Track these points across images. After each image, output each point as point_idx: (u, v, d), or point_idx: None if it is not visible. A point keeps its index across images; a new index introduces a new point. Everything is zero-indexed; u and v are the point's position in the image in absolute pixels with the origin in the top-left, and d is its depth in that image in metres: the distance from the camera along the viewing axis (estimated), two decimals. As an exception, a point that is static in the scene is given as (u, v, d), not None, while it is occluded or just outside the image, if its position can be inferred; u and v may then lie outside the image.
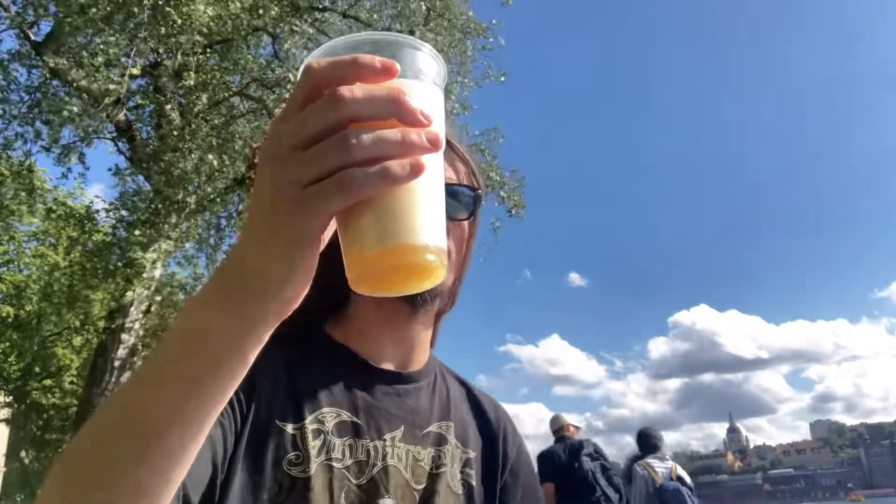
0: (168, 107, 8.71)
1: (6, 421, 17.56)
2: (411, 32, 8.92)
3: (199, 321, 0.49)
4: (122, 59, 7.08)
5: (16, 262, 15.38)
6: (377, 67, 0.43)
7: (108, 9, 6.45)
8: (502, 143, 10.04)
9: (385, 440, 0.87)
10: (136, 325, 8.51)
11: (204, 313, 0.49)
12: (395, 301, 0.89)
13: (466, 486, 0.94)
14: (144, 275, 7.77)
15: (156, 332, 8.83)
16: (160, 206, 7.78)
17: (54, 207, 11.58)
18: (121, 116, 8.46)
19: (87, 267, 8.79)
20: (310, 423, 0.83)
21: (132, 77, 7.58)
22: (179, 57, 7.43)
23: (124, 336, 8.33)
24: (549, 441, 5.35)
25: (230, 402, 0.78)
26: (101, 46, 6.90)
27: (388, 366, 0.94)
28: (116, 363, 8.17)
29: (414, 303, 0.89)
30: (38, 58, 7.73)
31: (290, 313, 0.49)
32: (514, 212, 9.90)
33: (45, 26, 7.87)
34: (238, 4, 7.31)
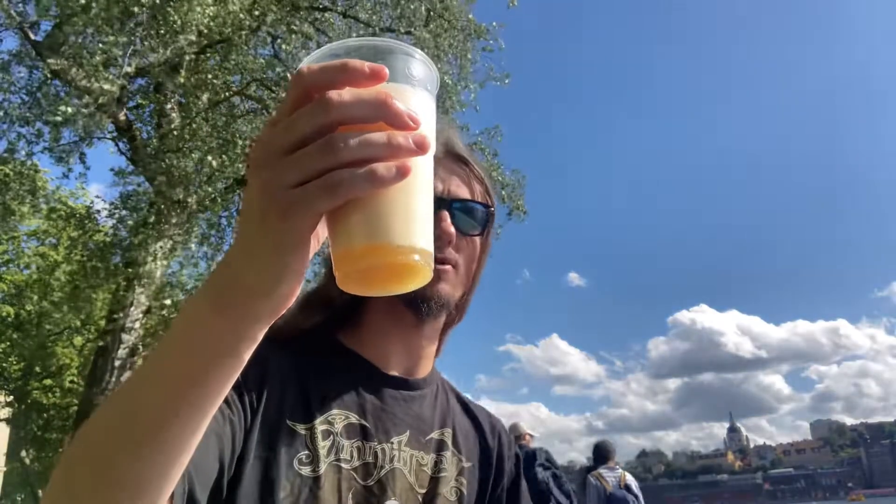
0: (168, 107, 8.71)
1: (7, 420, 17.55)
2: (410, 34, 8.93)
3: (194, 321, 0.50)
4: (121, 59, 7.09)
5: (16, 262, 15.38)
6: (366, 72, 0.44)
7: (109, 9, 6.45)
8: (501, 142, 10.04)
9: (392, 443, 0.90)
10: (137, 325, 8.51)
11: (199, 313, 0.50)
12: (402, 311, 0.91)
13: (458, 493, 0.97)
14: (144, 274, 7.78)
15: (156, 332, 8.83)
16: (161, 206, 7.79)
17: (57, 207, 11.60)
18: (121, 116, 8.47)
19: (88, 267, 8.81)
20: (319, 424, 0.85)
21: (130, 76, 7.58)
22: (179, 56, 7.44)
23: (125, 336, 8.33)
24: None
25: (241, 402, 0.80)
26: (101, 46, 6.90)
27: (395, 372, 0.96)
28: (117, 363, 8.17)
29: (420, 313, 0.91)
30: (39, 57, 7.74)
31: (283, 311, 0.50)
32: (513, 214, 9.90)
33: (45, 25, 7.88)
34: (238, 5, 7.31)
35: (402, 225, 0.46)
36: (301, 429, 0.83)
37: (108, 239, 8.82)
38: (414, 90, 0.49)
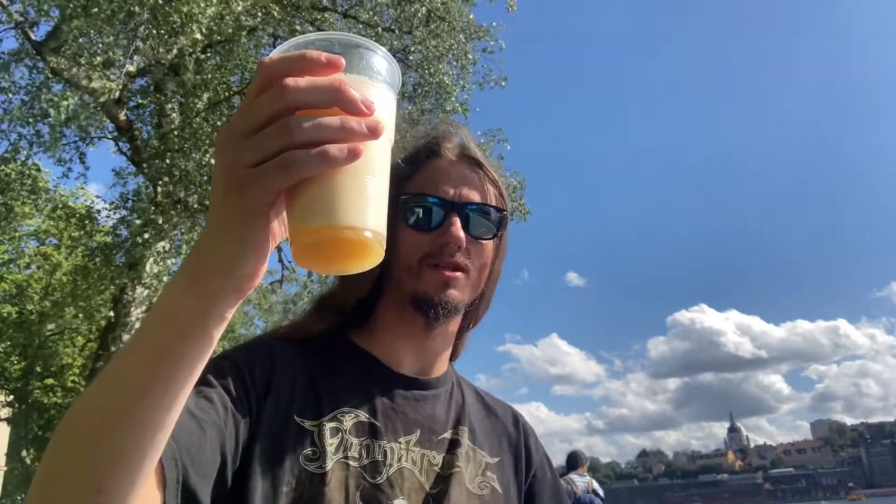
0: (168, 106, 8.73)
1: (7, 420, 17.56)
2: (410, 34, 8.95)
3: (168, 298, 0.53)
4: (122, 59, 7.10)
5: (17, 262, 15.39)
6: (322, 61, 0.46)
7: (111, 9, 6.46)
8: (508, 148, 10.09)
9: (401, 443, 0.90)
10: (138, 325, 8.52)
11: (172, 291, 0.53)
12: (411, 313, 0.92)
13: (489, 488, 0.96)
14: (145, 274, 7.79)
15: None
16: (165, 205, 7.80)
17: (59, 207, 11.61)
18: (121, 116, 8.49)
19: (89, 267, 8.82)
20: (328, 422, 0.85)
21: (130, 76, 7.59)
22: (181, 56, 7.45)
23: (125, 336, 8.34)
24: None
25: (247, 397, 0.81)
26: (102, 46, 6.91)
27: (408, 372, 0.97)
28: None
29: (428, 318, 0.92)
30: (39, 57, 7.75)
31: (248, 291, 0.53)
32: (515, 215, 9.92)
33: (45, 24, 7.89)
34: (240, 5, 7.32)
35: (354, 205, 0.48)
36: (309, 425, 0.84)
37: (108, 239, 8.83)
38: (372, 82, 0.52)
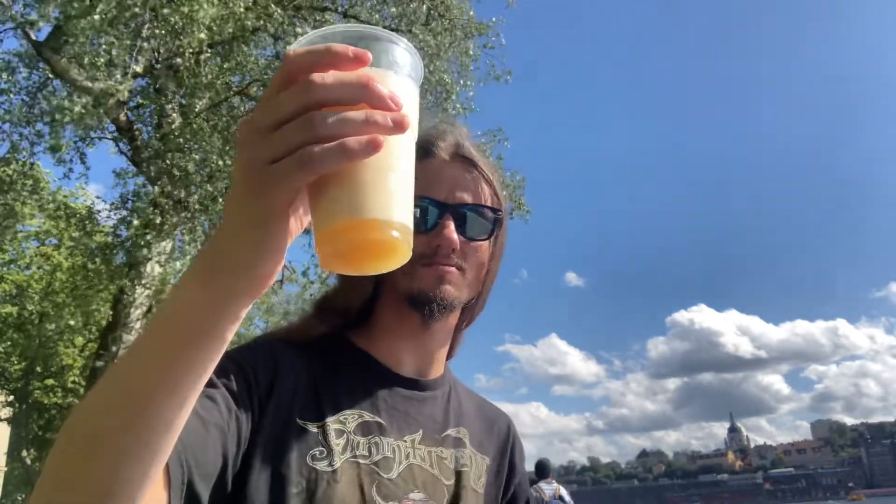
0: (169, 107, 8.72)
1: (8, 420, 17.55)
2: (411, 32, 8.94)
3: (179, 296, 0.52)
4: (125, 59, 7.10)
5: (18, 262, 15.39)
6: (349, 56, 0.45)
7: (114, 9, 6.45)
8: (507, 147, 10.06)
9: (406, 441, 0.90)
10: (138, 325, 8.52)
11: (183, 289, 0.52)
12: (408, 311, 0.92)
13: (486, 492, 0.98)
14: (146, 275, 7.79)
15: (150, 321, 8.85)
16: (165, 205, 7.80)
17: (60, 207, 11.61)
18: (121, 117, 8.48)
19: (89, 267, 8.82)
20: (332, 423, 0.85)
21: (134, 76, 7.59)
22: (181, 57, 7.45)
23: (126, 336, 8.34)
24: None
25: (249, 399, 0.80)
26: (105, 47, 6.90)
27: (407, 373, 0.97)
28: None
29: (424, 314, 0.91)
30: (39, 57, 7.75)
31: (263, 291, 0.51)
32: (515, 214, 9.91)
33: (46, 25, 7.88)
34: (241, 5, 7.32)
35: (379, 200, 0.47)
36: (312, 427, 0.83)
37: (108, 240, 8.83)
38: (397, 76, 0.50)
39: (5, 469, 21.04)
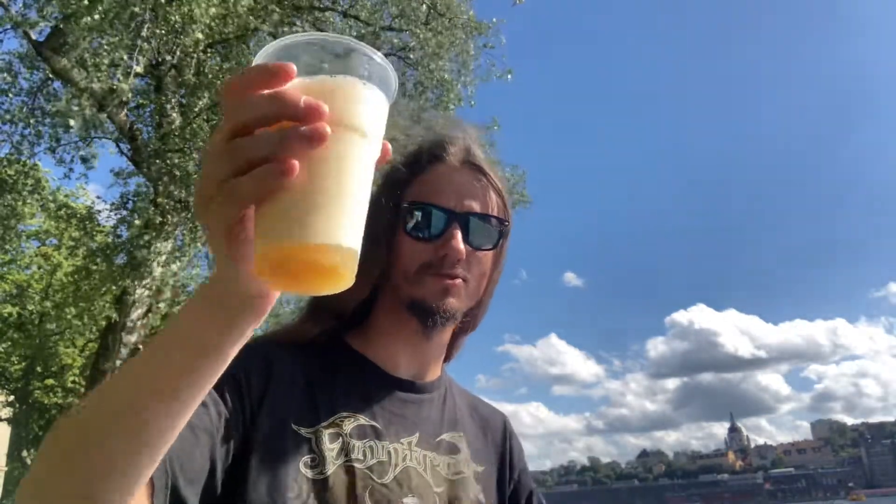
0: (169, 107, 8.72)
1: (8, 420, 17.56)
2: (411, 32, 8.94)
3: (185, 315, 0.54)
4: (128, 59, 7.10)
5: (18, 262, 15.39)
6: (270, 72, 0.43)
7: (114, 9, 6.45)
8: (499, 131, 10.07)
9: (402, 443, 0.90)
10: (138, 325, 8.52)
11: (190, 308, 0.54)
12: (408, 318, 0.92)
13: (484, 497, 0.97)
14: (147, 275, 7.79)
15: (157, 332, 8.85)
16: (166, 206, 7.80)
17: (60, 207, 11.62)
18: (122, 117, 8.48)
19: (89, 267, 8.82)
20: (326, 427, 0.85)
21: (136, 76, 7.59)
22: (180, 57, 7.45)
23: (126, 336, 8.34)
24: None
25: (241, 404, 0.80)
26: (106, 47, 6.90)
27: (404, 375, 0.97)
28: (118, 362, 8.19)
29: (425, 324, 0.92)
30: (40, 58, 7.75)
31: (266, 310, 0.53)
32: (517, 204, 9.92)
33: (46, 25, 7.88)
34: (242, 5, 7.32)
35: (317, 223, 0.44)
36: (306, 433, 0.83)
37: (108, 240, 8.83)
38: (333, 79, 0.47)
39: (5, 469, 21.02)
